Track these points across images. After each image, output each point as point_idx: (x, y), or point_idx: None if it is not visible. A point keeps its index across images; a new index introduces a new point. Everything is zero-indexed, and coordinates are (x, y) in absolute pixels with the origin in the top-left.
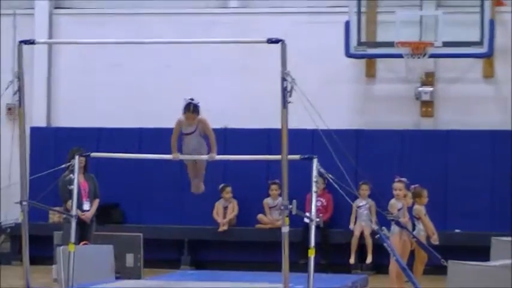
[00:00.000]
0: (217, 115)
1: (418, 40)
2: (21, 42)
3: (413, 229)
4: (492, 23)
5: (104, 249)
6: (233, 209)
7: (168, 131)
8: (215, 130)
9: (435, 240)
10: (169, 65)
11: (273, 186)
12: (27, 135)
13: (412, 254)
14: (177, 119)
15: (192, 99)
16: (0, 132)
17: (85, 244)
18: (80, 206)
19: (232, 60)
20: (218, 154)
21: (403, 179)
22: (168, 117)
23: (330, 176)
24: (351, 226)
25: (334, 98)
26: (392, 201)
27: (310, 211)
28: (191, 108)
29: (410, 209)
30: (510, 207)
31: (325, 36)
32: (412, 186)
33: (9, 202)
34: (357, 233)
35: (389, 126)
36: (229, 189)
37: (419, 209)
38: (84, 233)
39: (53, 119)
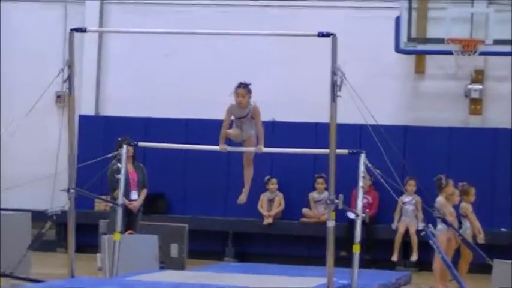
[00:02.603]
0: (265, 107)
1: (469, 37)
2: (72, 30)
3: (460, 227)
4: None
5: (149, 239)
6: (279, 203)
7: (215, 122)
8: (263, 122)
9: (481, 239)
10: (218, 56)
11: (319, 180)
12: (75, 124)
13: (457, 252)
14: (228, 107)
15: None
16: (48, 120)
17: (130, 233)
18: (127, 195)
19: (281, 53)
20: (265, 146)
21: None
22: (216, 108)
23: (377, 171)
24: (394, 225)
25: (383, 94)
26: (441, 199)
27: (355, 207)
28: (242, 84)
29: (456, 207)
30: None
31: (375, 31)
32: (460, 184)
33: (56, 190)
34: (401, 230)
35: (437, 123)
36: (274, 180)
37: (467, 206)
38: (130, 222)
39: (102, 108)
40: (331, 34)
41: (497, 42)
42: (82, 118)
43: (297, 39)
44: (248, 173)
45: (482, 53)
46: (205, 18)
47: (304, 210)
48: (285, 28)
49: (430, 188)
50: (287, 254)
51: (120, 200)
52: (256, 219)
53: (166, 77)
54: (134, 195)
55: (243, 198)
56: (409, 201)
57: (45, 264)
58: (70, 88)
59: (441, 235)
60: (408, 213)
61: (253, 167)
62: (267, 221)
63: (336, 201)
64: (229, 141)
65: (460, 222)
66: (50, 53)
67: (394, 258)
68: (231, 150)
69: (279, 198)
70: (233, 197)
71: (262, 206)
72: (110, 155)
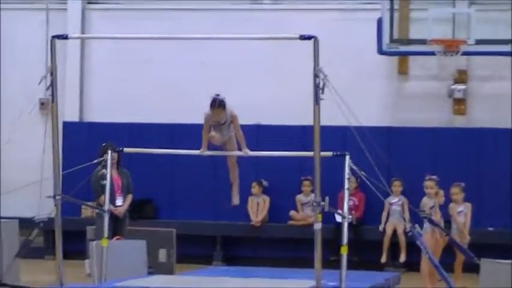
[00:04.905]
0: (250, 111)
1: (451, 38)
2: (54, 37)
3: (449, 227)
4: None
5: (137, 245)
6: (264, 206)
7: (200, 127)
8: (248, 126)
9: (464, 238)
10: (202, 61)
11: (305, 183)
12: (59, 130)
13: (446, 252)
14: (204, 115)
15: (218, 95)
16: (33, 127)
17: (118, 239)
18: (112, 201)
19: (265, 57)
20: (251, 150)
21: (433, 176)
22: (201, 113)
23: (362, 173)
24: (381, 227)
25: (367, 95)
26: (424, 199)
27: (342, 209)
28: (217, 103)
29: (443, 207)
30: None
31: (358, 33)
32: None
33: (42, 197)
34: (389, 232)
35: (421, 123)
36: (254, 183)
37: (452, 207)
38: (117, 228)
39: (86, 114)
40: (313, 37)
41: (479, 42)
42: (66, 125)
43: (281, 42)
44: (234, 174)
45: (465, 53)
46: (188, 23)
47: (292, 213)
48: (268, 32)
49: (416, 189)
50: (275, 257)
51: (107, 206)
52: (244, 223)
53: (151, 82)
54: (119, 201)
55: (235, 200)
56: (395, 202)
57: (33, 271)
58: (53, 95)
59: (427, 235)
60: (395, 214)
61: (239, 171)
62: (255, 225)
63: (322, 203)
64: (215, 146)
65: (450, 222)
66: (33, 60)
67: (383, 259)
68: (213, 154)
69: (264, 200)
70: (220, 200)
71: (252, 208)
72: (95, 161)
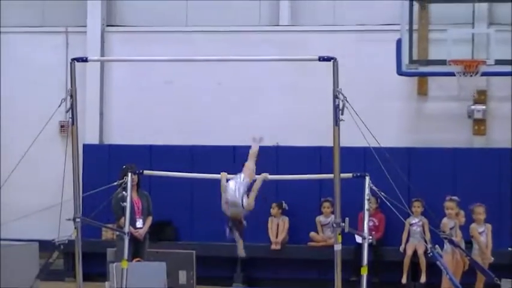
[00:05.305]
0: (269, 133)
1: (470, 58)
2: (74, 59)
3: (469, 248)
4: None
5: (157, 266)
6: (283, 228)
7: (220, 149)
8: (266, 148)
9: (487, 258)
10: (221, 83)
11: (326, 204)
12: (79, 152)
13: (468, 273)
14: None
15: (229, 228)
16: (53, 149)
17: (138, 261)
18: (133, 223)
19: (283, 78)
20: (270, 170)
21: (454, 197)
22: (220, 134)
23: (382, 193)
24: (402, 248)
25: (386, 116)
26: (445, 220)
27: (362, 229)
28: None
29: (463, 228)
30: None
31: (377, 54)
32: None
33: (62, 219)
34: (409, 252)
35: (441, 144)
36: (274, 204)
37: (473, 227)
38: (137, 250)
39: (106, 136)
40: (332, 58)
41: (498, 62)
42: (86, 147)
43: (300, 63)
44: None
45: (484, 74)
46: (206, 45)
47: (312, 234)
48: (286, 53)
49: (436, 210)
50: (296, 279)
51: (127, 228)
52: (264, 244)
53: (170, 104)
54: (139, 223)
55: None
56: (416, 222)
57: None
58: (73, 118)
59: (447, 255)
60: (415, 235)
61: (259, 190)
62: (275, 247)
63: (342, 224)
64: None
65: (471, 243)
66: (53, 82)
67: (403, 280)
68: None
69: (283, 221)
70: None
71: (272, 230)
72: (115, 183)
